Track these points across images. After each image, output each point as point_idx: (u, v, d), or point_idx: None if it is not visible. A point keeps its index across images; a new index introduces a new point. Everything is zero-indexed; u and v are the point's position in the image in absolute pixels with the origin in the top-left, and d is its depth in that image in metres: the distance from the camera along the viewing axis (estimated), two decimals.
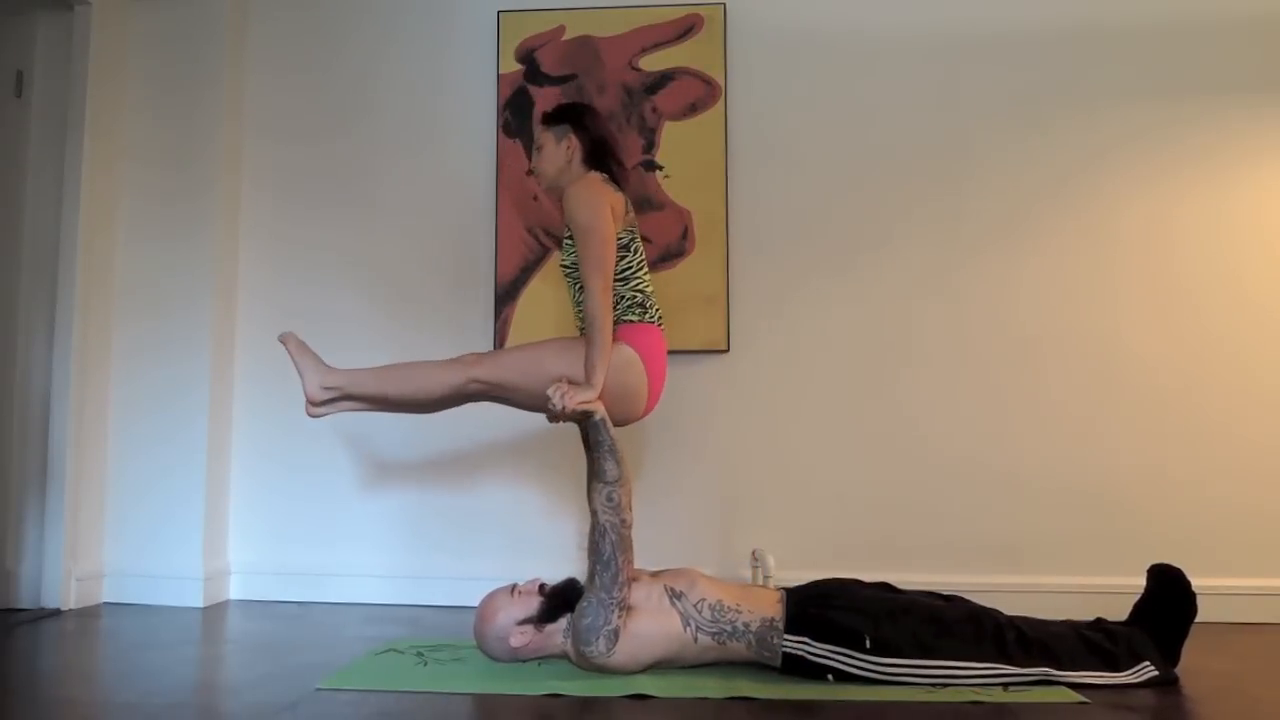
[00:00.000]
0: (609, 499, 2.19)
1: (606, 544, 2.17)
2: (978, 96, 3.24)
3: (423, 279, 3.33)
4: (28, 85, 3.22)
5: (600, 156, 2.52)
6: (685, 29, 3.28)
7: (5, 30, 3.22)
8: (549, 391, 2.25)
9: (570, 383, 2.27)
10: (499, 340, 3.24)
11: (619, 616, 2.14)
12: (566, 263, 2.48)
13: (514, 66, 3.32)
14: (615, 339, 2.38)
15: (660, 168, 3.24)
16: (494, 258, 3.28)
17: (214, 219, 3.27)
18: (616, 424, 2.41)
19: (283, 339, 2.47)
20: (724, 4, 3.28)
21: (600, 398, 2.30)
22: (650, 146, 3.25)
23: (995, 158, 3.22)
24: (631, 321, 2.42)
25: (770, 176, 3.26)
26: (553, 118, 2.56)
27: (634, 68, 3.29)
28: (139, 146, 3.31)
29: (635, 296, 2.44)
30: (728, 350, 3.16)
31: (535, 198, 3.27)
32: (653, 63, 3.28)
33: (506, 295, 3.26)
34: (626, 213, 2.46)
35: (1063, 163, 3.20)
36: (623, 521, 2.18)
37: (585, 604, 2.16)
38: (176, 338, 3.24)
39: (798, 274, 3.23)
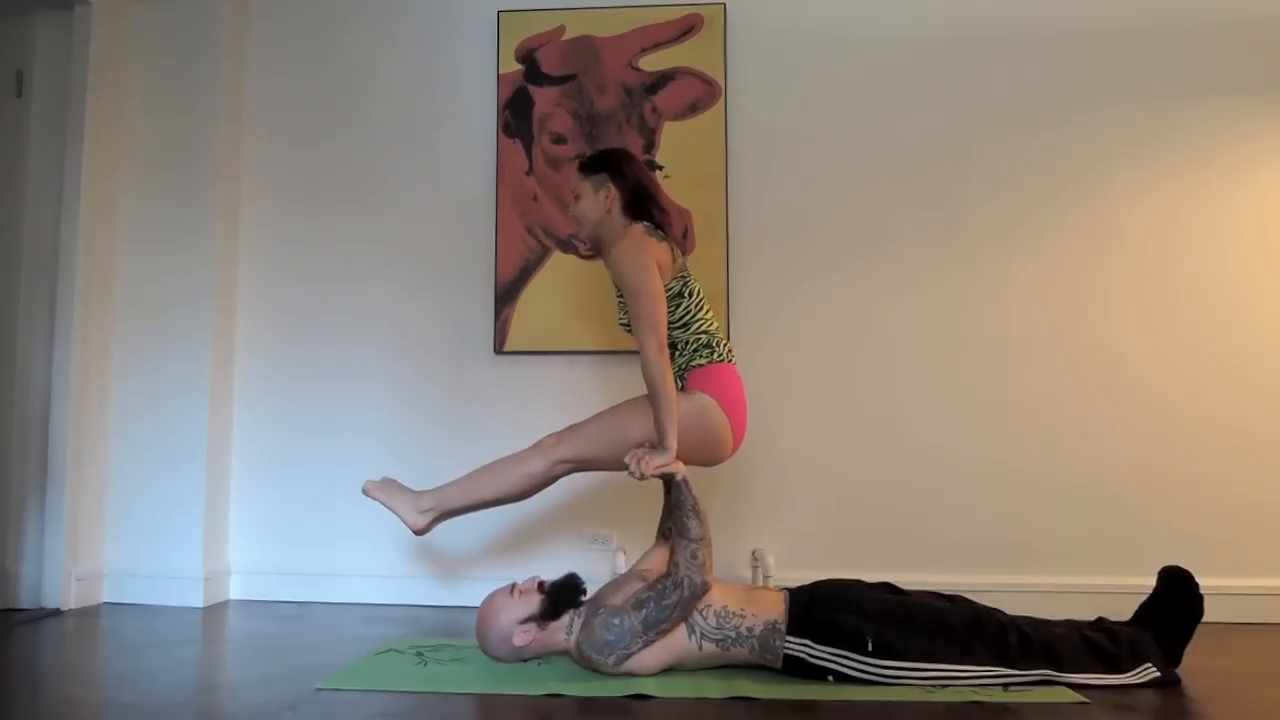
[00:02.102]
0: (694, 556, 2.16)
1: (674, 596, 2.14)
2: (978, 97, 3.24)
3: (423, 278, 3.33)
4: (28, 85, 3.22)
5: (640, 204, 2.49)
6: (685, 29, 3.28)
7: (5, 30, 3.22)
8: (626, 461, 2.26)
9: (648, 449, 2.28)
10: (499, 340, 3.24)
11: (640, 648, 2.14)
12: (624, 321, 2.47)
13: (514, 66, 3.32)
14: (687, 387, 2.41)
15: (660, 168, 3.24)
16: (494, 258, 3.28)
17: (214, 219, 3.27)
18: (707, 465, 2.48)
19: (366, 492, 2.50)
20: (724, 4, 3.28)
21: (683, 448, 2.31)
22: (650, 146, 3.25)
23: (995, 158, 3.22)
24: (701, 365, 2.42)
25: (770, 176, 3.26)
26: (590, 166, 2.53)
27: (634, 68, 3.29)
28: (139, 146, 3.31)
29: (700, 339, 2.44)
30: None
31: (535, 198, 3.27)
32: (653, 63, 3.28)
33: (506, 295, 3.26)
34: (674, 260, 2.44)
35: (1064, 163, 3.20)
36: (703, 583, 2.16)
37: (617, 621, 2.14)
38: (176, 337, 3.24)
39: (798, 274, 3.23)
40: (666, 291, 2.40)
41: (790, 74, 3.29)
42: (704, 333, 2.45)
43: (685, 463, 2.40)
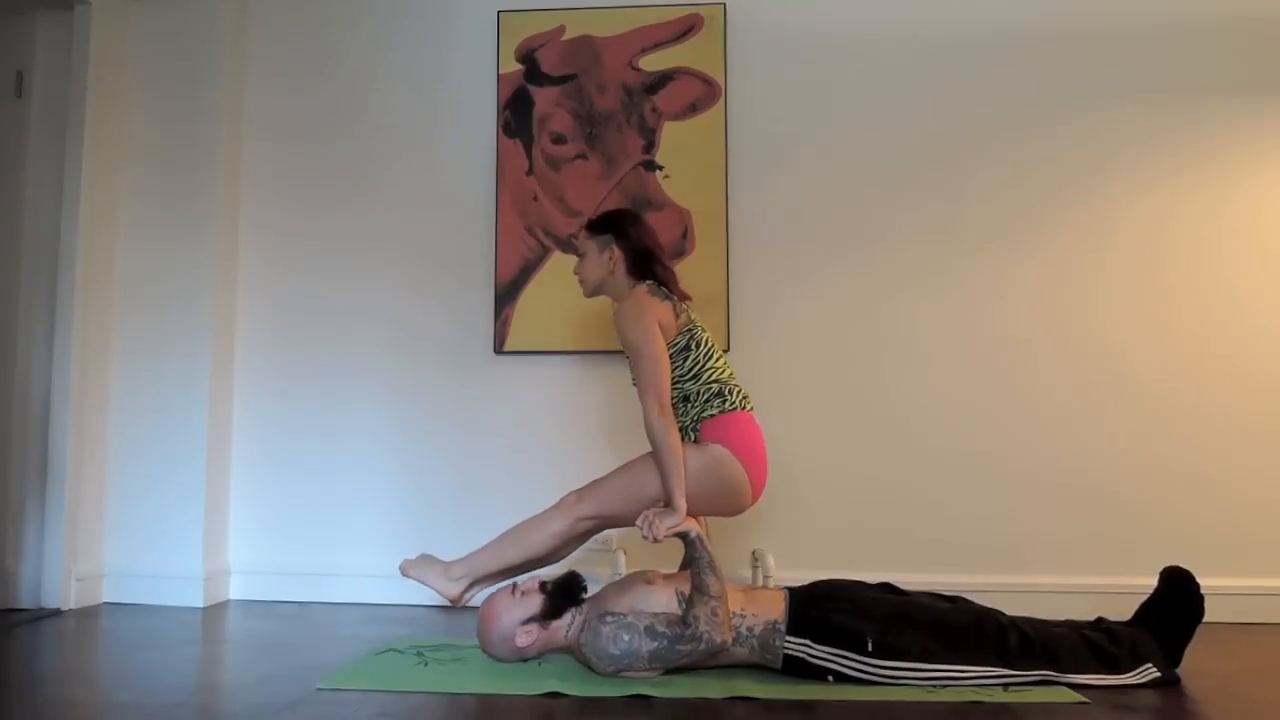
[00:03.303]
0: (714, 614, 2.15)
1: (689, 646, 2.13)
2: (977, 97, 3.24)
3: (423, 279, 3.33)
4: (28, 85, 3.22)
5: (644, 264, 2.53)
6: (685, 29, 3.28)
7: (5, 30, 3.22)
8: (638, 524, 2.29)
9: (658, 510, 2.30)
10: (499, 340, 3.24)
11: (639, 670, 2.14)
12: (635, 380, 2.48)
13: (514, 66, 3.32)
14: (700, 438, 2.42)
15: (660, 168, 3.24)
16: (494, 258, 3.28)
17: (214, 219, 3.27)
18: (730, 515, 2.50)
19: (403, 573, 2.53)
20: (724, 4, 3.28)
21: (701, 500, 2.33)
22: (650, 146, 3.25)
23: (995, 157, 3.22)
24: (713, 416, 2.43)
25: (770, 176, 3.26)
26: (595, 227, 2.58)
27: (634, 68, 3.29)
28: (139, 146, 3.31)
29: (711, 389, 2.45)
30: (728, 350, 3.16)
31: (535, 197, 3.27)
32: (653, 63, 3.28)
33: (506, 295, 3.26)
34: (678, 316, 2.47)
35: (1063, 163, 3.20)
36: (722, 641, 2.15)
37: (626, 638, 2.12)
38: (177, 337, 3.24)
39: (797, 273, 3.23)
40: (672, 346, 2.44)
41: (790, 74, 3.29)
42: (715, 381, 2.46)
43: (706, 513, 2.42)
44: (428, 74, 3.39)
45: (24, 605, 3.04)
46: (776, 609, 2.20)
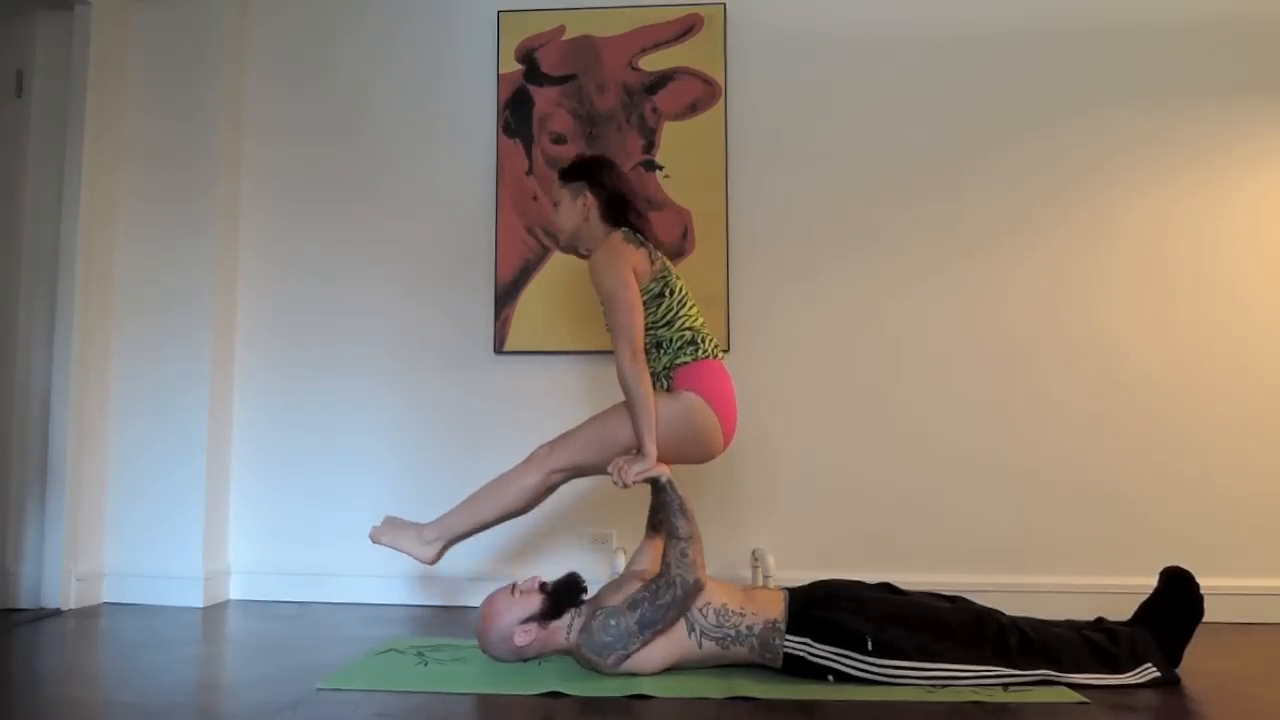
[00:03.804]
0: (683, 554, 2.17)
1: (669, 595, 2.15)
2: (977, 96, 3.24)
3: (423, 279, 3.33)
4: (28, 85, 3.22)
5: (618, 211, 2.51)
6: (685, 29, 3.28)
7: (5, 30, 3.22)
8: (609, 470, 2.30)
9: (629, 457, 2.30)
10: (499, 340, 3.24)
11: (638, 648, 2.14)
12: (609, 325, 2.47)
13: (514, 66, 3.32)
14: (673, 386, 2.42)
15: (660, 168, 3.24)
16: (494, 258, 3.29)
17: (214, 219, 3.27)
18: (700, 462, 2.50)
19: (373, 539, 2.52)
20: (724, 4, 3.28)
21: (672, 447, 2.33)
22: (650, 146, 3.25)
23: (995, 157, 3.22)
24: (685, 363, 2.43)
25: (770, 176, 3.26)
26: (568, 174, 2.56)
27: (634, 68, 3.29)
28: (139, 146, 3.31)
29: (684, 336, 2.44)
30: (728, 350, 3.16)
31: (535, 197, 3.27)
32: (653, 63, 3.28)
33: (506, 295, 3.26)
34: (653, 262, 2.46)
35: (1063, 162, 3.20)
36: (696, 581, 2.16)
37: (614, 623, 2.14)
38: (176, 337, 3.24)
39: (798, 273, 3.23)
40: (646, 293, 2.42)
41: (790, 74, 3.29)
42: (688, 329, 2.45)
43: (676, 461, 2.41)
44: (428, 74, 3.39)
45: (24, 605, 3.04)
46: (776, 609, 2.20)
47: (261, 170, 3.41)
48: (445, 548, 2.52)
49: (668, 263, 2.52)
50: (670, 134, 3.26)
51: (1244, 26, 3.18)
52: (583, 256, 2.58)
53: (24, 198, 3.19)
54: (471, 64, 3.38)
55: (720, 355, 2.50)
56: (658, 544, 2.41)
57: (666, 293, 2.45)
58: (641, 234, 2.51)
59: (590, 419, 2.51)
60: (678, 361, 2.43)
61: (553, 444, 2.47)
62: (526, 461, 2.48)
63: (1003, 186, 3.21)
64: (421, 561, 2.50)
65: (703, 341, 2.46)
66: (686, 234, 3.21)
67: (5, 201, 3.19)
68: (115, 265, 3.29)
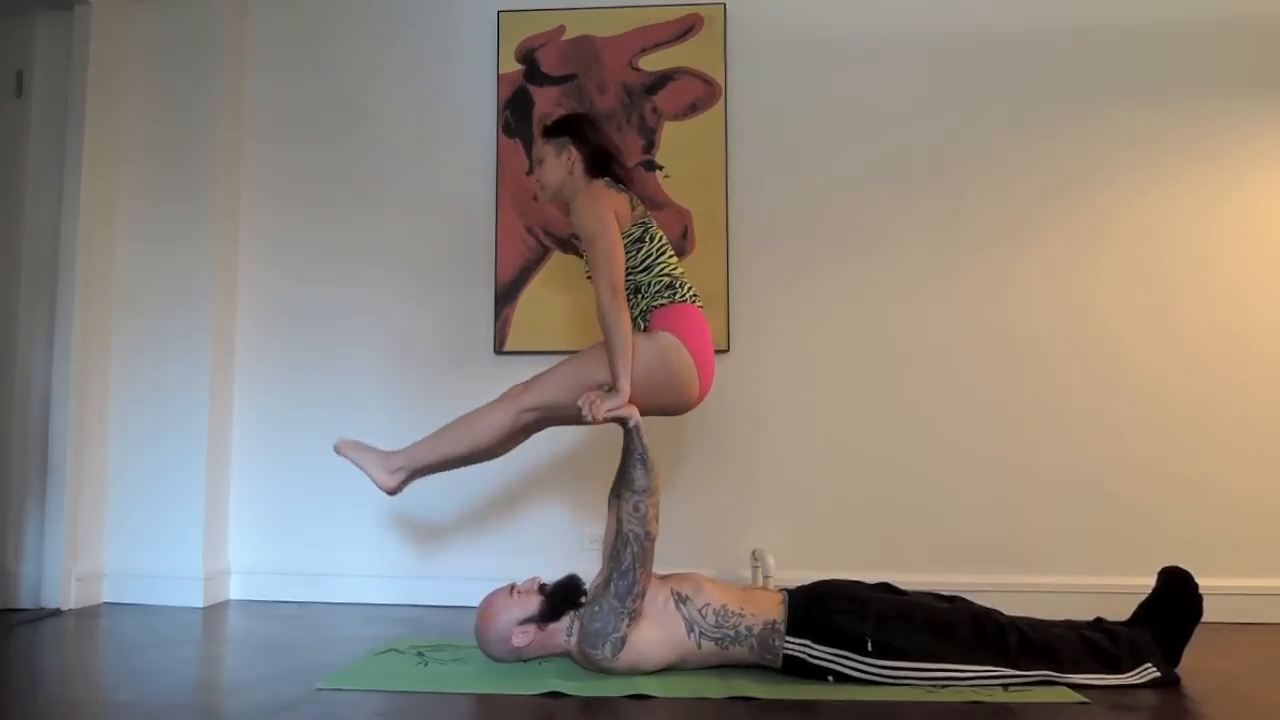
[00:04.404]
0: (635, 508, 2.16)
1: (627, 554, 2.15)
2: (977, 97, 3.24)
3: (423, 279, 3.33)
4: (28, 85, 3.22)
5: (602, 164, 2.52)
6: (685, 29, 3.28)
7: (5, 30, 3.22)
8: (579, 402, 2.25)
9: (601, 392, 2.26)
10: (499, 340, 3.24)
11: (628, 625, 2.14)
12: (589, 273, 2.46)
13: (514, 66, 3.32)
14: (649, 326, 2.39)
15: (660, 168, 3.24)
16: (494, 258, 3.29)
17: (214, 219, 3.27)
18: (675, 413, 2.44)
19: (337, 450, 2.50)
20: (724, 4, 3.28)
21: (647, 391, 2.29)
22: (650, 146, 3.25)
23: (995, 157, 3.22)
24: (663, 305, 2.41)
25: (770, 176, 3.26)
26: (551, 130, 2.57)
27: (634, 68, 3.29)
28: (139, 147, 3.31)
29: (662, 280, 2.42)
30: (728, 350, 3.16)
31: (535, 197, 3.27)
32: (653, 63, 3.28)
33: (506, 295, 3.26)
34: (634, 208, 2.46)
35: (1063, 162, 3.20)
36: (647, 534, 2.15)
37: (597, 608, 2.15)
38: (176, 337, 3.24)
39: (798, 273, 3.23)
40: (627, 237, 2.41)
41: (790, 74, 3.29)
42: (667, 274, 2.43)
43: (653, 411, 2.37)
44: (428, 74, 3.39)
45: (24, 605, 3.04)
46: (775, 609, 2.20)
47: (261, 171, 3.41)
48: (408, 479, 2.47)
49: (648, 213, 2.52)
50: (670, 134, 3.26)
51: (1244, 26, 3.19)
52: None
53: (24, 198, 3.19)
54: (471, 64, 3.38)
55: (699, 304, 2.47)
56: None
57: (646, 238, 2.44)
58: (625, 185, 2.51)
59: (565, 359, 2.47)
60: (655, 304, 2.41)
61: (526, 383, 2.44)
62: (499, 399, 2.44)
63: (1002, 186, 3.21)
64: (381, 488, 2.46)
65: (680, 287, 2.44)
66: (686, 234, 3.21)
67: (5, 201, 3.19)
68: (115, 265, 3.29)
